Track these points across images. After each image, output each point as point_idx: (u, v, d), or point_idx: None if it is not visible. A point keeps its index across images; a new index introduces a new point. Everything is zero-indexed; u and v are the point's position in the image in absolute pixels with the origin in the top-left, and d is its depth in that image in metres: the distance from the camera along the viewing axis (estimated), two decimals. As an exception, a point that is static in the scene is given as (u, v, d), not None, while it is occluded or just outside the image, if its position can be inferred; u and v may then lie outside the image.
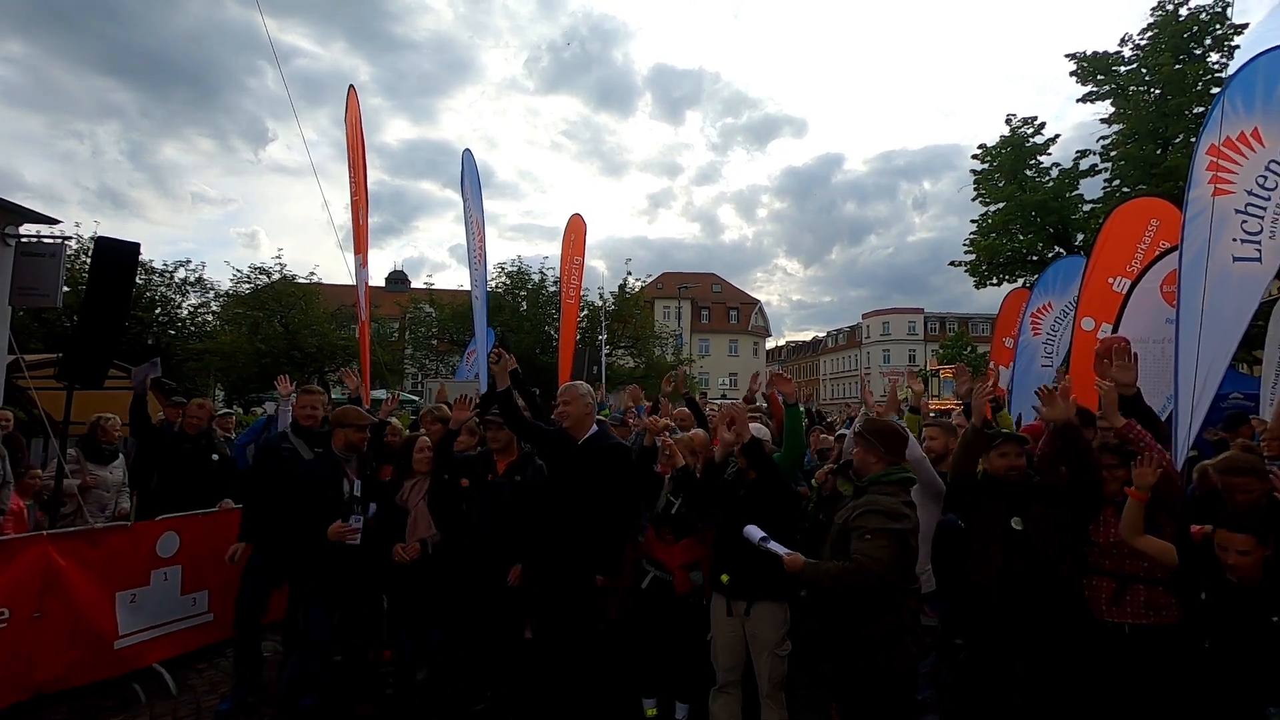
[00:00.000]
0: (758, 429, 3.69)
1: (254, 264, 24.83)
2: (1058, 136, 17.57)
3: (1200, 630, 2.73)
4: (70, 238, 17.78)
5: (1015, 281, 17.34)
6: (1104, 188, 16.44)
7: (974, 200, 18.52)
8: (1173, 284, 4.51)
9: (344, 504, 4.14)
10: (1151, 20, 15.40)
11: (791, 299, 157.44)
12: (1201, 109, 13.37)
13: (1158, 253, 5.71)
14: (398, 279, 48.86)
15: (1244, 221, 3.85)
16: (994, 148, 18.00)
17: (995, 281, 18.20)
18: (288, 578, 4.14)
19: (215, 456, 5.59)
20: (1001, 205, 17.58)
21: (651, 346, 30.30)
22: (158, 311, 21.91)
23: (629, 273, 29.14)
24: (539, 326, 25.57)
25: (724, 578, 3.40)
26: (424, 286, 33.71)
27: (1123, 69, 16.03)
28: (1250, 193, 3.84)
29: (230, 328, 23.29)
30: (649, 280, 31.68)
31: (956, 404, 5.09)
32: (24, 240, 5.62)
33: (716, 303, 61.62)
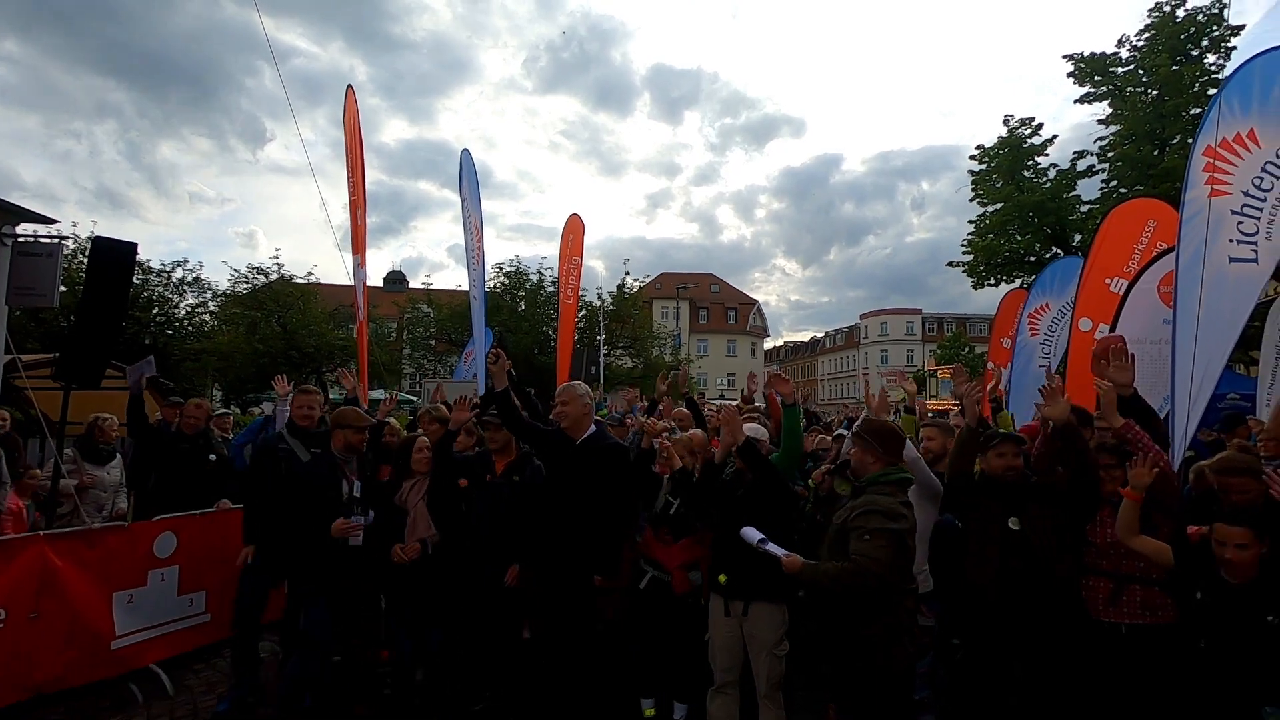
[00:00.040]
0: (755, 429, 3.69)
1: (252, 264, 24.83)
2: (1055, 137, 17.60)
3: (1196, 630, 2.74)
4: (67, 237, 17.78)
5: (1013, 282, 17.35)
6: (1101, 189, 16.47)
7: (972, 201, 18.54)
8: (1170, 285, 4.52)
9: (343, 505, 4.14)
10: (1149, 21, 15.42)
11: (790, 299, 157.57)
12: (1199, 110, 13.40)
13: (1155, 253, 5.72)
14: (396, 279, 48.83)
15: (1240, 222, 3.87)
16: (992, 149, 18.02)
17: (993, 282, 18.22)
18: (287, 578, 4.14)
19: (213, 457, 5.58)
20: (999, 206, 17.59)
21: (650, 347, 30.29)
22: (155, 311, 21.85)
23: (627, 273, 29.08)
24: (537, 327, 25.55)
25: (721, 578, 3.41)
26: (422, 286, 33.81)
27: (1120, 70, 16.05)
28: (1246, 194, 3.85)
29: (228, 328, 23.24)
30: (647, 280, 31.67)
31: (955, 404, 5.10)
32: (20, 240, 5.61)
33: (715, 303, 61.63)
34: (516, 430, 4.11)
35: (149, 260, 22.34)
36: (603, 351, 23.81)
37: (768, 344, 71.66)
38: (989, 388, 5.16)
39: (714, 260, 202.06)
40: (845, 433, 4.62)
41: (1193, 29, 14.88)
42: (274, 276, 23.76)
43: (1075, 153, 17.07)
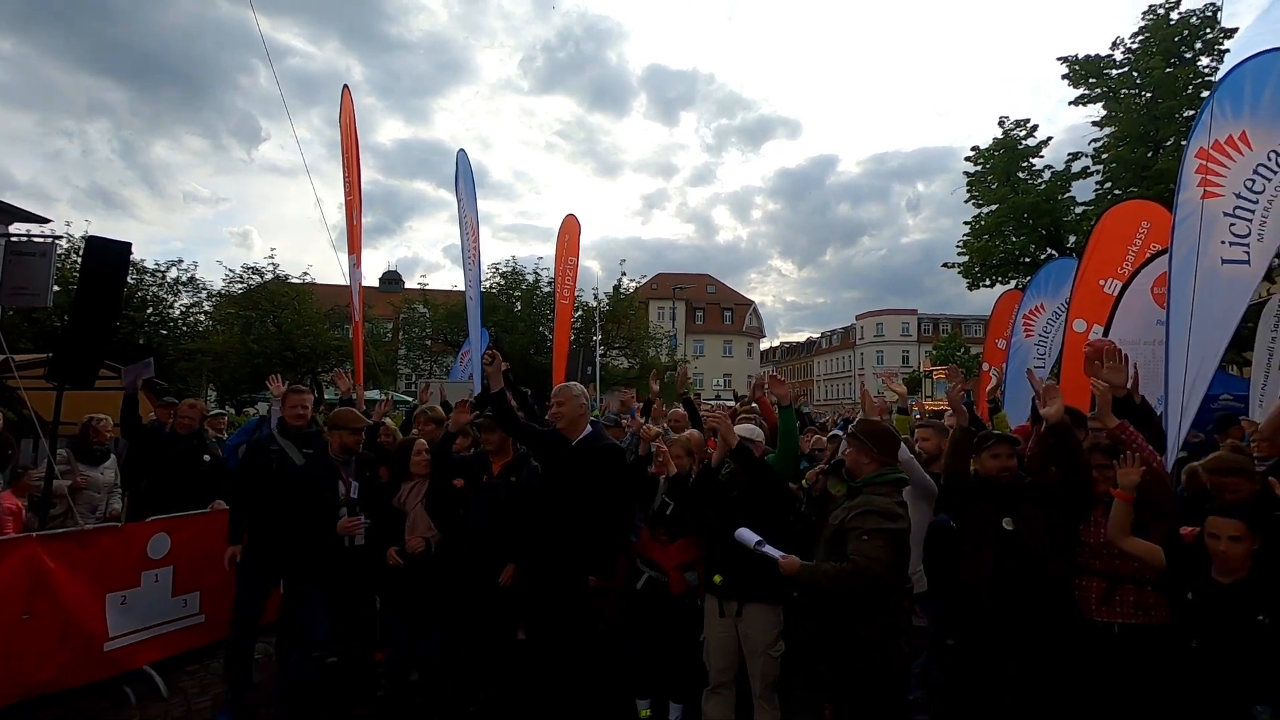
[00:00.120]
0: (750, 429, 3.70)
1: (246, 264, 24.71)
2: (1050, 139, 17.62)
3: (1188, 630, 2.75)
4: (60, 237, 17.74)
5: (1008, 283, 17.40)
6: (1095, 190, 16.53)
7: (967, 202, 18.58)
8: (1163, 286, 4.55)
9: (340, 506, 4.13)
10: (1143, 24, 15.49)
11: (786, 300, 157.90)
12: (1192, 112, 13.47)
13: (1148, 255, 5.74)
14: (391, 279, 48.69)
15: (1232, 224, 3.89)
16: (987, 150, 18.07)
17: (988, 283, 18.27)
18: (284, 579, 4.12)
19: (207, 457, 5.57)
20: (994, 207, 17.64)
21: (646, 347, 30.29)
22: (149, 311, 21.78)
23: (623, 273, 29.07)
24: (533, 327, 25.52)
25: (716, 579, 3.41)
26: (418, 287, 33.65)
27: (1114, 72, 16.12)
28: (1239, 195, 3.88)
29: (222, 328, 23.16)
30: (643, 281, 31.66)
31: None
32: (14, 239, 5.59)
33: (711, 304, 61.64)
34: (512, 431, 4.10)
35: (143, 260, 22.35)
36: (599, 352, 23.79)
37: (764, 345, 71.71)
38: (988, 389, 5.19)
39: (710, 261, 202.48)
40: (840, 433, 4.64)
41: (1186, 32, 14.96)
42: (269, 276, 23.72)
43: (1070, 154, 17.15)
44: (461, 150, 8.39)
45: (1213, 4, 14.84)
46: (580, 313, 25.35)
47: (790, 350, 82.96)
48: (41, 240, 5.70)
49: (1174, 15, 15.11)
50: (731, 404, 6.99)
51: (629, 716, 3.99)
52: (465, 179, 8.38)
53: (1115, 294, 5.73)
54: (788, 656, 3.43)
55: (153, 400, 6.86)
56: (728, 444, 3.43)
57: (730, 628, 3.40)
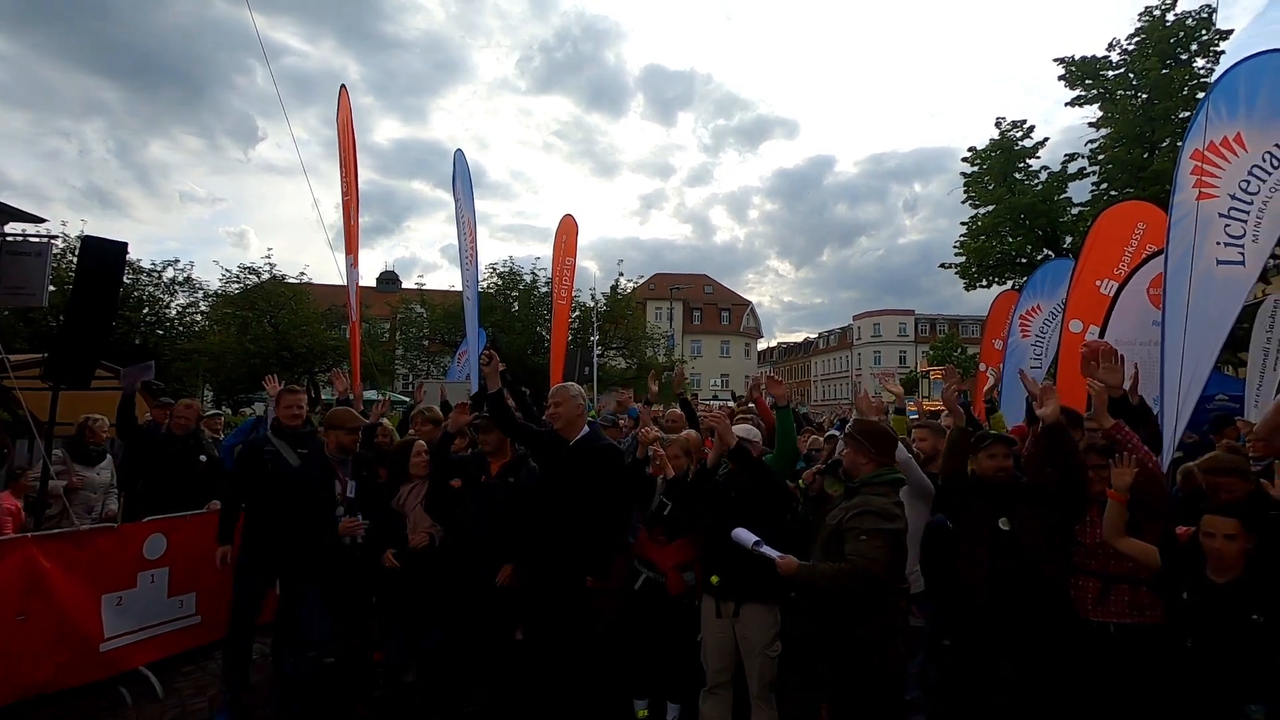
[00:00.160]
0: (748, 429, 3.70)
1: (243, 264, 24.67)
2: (1046, 140, 17.68)
3: (1183, 630, 2.76)
4: (56, 237, 17.60)
5: (1004, 284, 17.45)
6: (1092, 191, 16.59)
7: (964, 203, 18.64)
8: (1159, 287, 4.56)
9: (337, 505, 4.13)
10: (1139, 25, 15.55)
11: (783, 300, 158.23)
12: (1188, 113, 13.50)
13: (1144, 256, 5.76)
14: (388, 279, 48.61)
15: (1227, 225, 3.90)
16: (983, 151, 18.11)
17: (985, 284, 18.32)
18: (280, 579, 4.11)
19: (203, 458, 5.55)
20: (991, 208, 17.69)
21: (643, 347, 30.28)
22: (145, 311, 21.72)
23: (621, 274, 29.06)
24: (530, 327, 25.50)
25: (714, 579, 3.41)
26: (415, 287, 33.60)
27: (1110, 73, 16.17)
28: (1233, 197, 3.89)
29: (219, 328, 23.10)
30: (641, 281, 31.70)
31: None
32: (9, 239, 5.57)
33: (708, 304, 61.67)
34: (509, 431, 4.10)
35: (139, 260, 22.28)
36: (596, 352, 23.80)
37: (761, 345, 71.77)
38: (985, 389, 5.20)
39: (708, 261, 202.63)
40: (837, 433, 4.64)
41: (1182, 33, 15.02)
42: (266, 276, 23.65)
43: (1066, 155, 17.21)
44: (459, 150, 8.39)
45: (1208, 6, 14.90)
46: (578, 313, 25.34)
47: (787, 350, 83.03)
48: (37, 240, 5.69)
49: (1170, 17, 15.17)
50: (730, 404, 6.98)
51: (626, 717, 3.99)
52: (462, 179, 8.38)
53: (1111, 295, 5.75)
54: (785, 656, 3.43)
55: (149, 400, 6.84)
56: (726, 444, 3.43)
57: (727, 628, 3.40)
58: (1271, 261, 4.58)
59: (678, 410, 5.47)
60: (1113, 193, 15.35)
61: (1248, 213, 3.88)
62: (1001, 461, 3.50)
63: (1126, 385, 3.77)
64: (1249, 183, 3.87)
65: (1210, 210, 3.94)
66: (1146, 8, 15.43)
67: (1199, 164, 3.99)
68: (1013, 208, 16.90)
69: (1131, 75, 15.71)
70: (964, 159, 18.64)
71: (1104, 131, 16.11)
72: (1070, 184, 17.00)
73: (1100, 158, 16.09)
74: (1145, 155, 15.04)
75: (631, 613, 4.04)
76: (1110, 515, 3.04)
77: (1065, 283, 6.77)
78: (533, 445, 4.08)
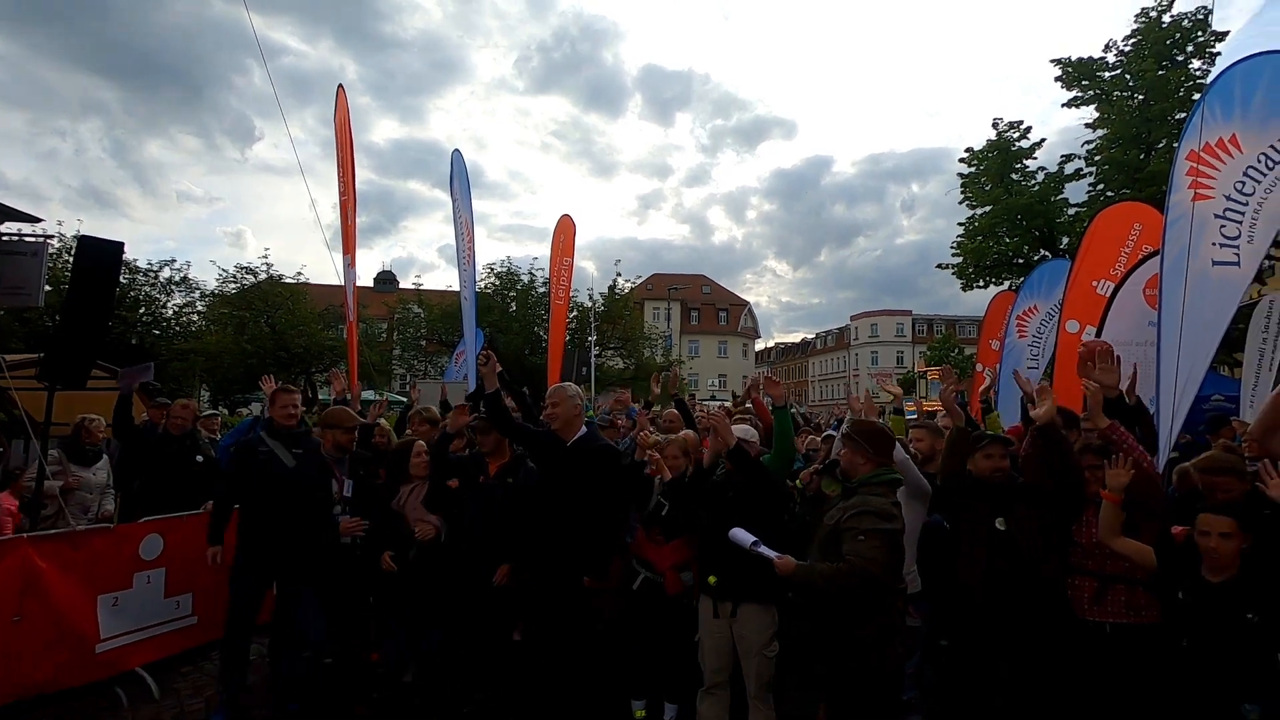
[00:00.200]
0: (745, 430, 3.70)
1: (240, 263, 24.69)
2: (1043, 141, 17.68)
3: (1179, 629, 2.77)
4: (52, 236, 17.60)
5: (1001, 284, 17.46)
6: (1088, 192, 16.61)
7: (961, 203, 18.64)
8: (1155, 287, 4.57)
9: (334, 505, 4.12)
10: (1135, 27, 15.59)
11: (781, 300, 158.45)
12: (1184, 115, 13.53)
13: (1140, 256, 5.78)
14: (386, 279, 48.58)
15: (1223, 226, 3.91)
16: (980, 151, 18.13)
17: (982, 284, 18.33)
18: (277, 578, 4.10)
19: (200, 458, 5.55)
20: (988, 208, 17.69)
21: (641, 348, 30.27)
22: (142, 311, 21.67)
23: (618, 274, 29.09)
24: (528, 327, 25.49)
25: (711, 579, 3.41)
26: (412, 287, 33.57)
27: (1106, 75, 16.20)
28: (1229, 198, 3.90)
29: (216, 328, 23.07)
30: (638, 281, 31.69)
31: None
32: (5, 238, 5.54)
33: (706, 304, 61.69)
34: (506, 431, 4.10)
35: (136, 259, 22.24)
36: (594, 353, 23.79)
37: (759, 345, 71.83)
38: (981, 389, 5.21)
39: (705, 261, 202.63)
40: (834, 433, 4.65)
41: (1178, 35, 15.05)
42: (263, 276, 23.61)
43: (1063, 156, 17.22)
44: (456, 150, 8.39)
45: (1204, 7, 14.98)
46: (575, 313, 25.30)
47: (785, 351, 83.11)
48: (33, 240, 5.67)
49: (1166, 18, 15.20)
50: (727, 404, 6.99)
51: (623, 717, 3.99)
52: (460, 179, 8.37)
53: (1108, 295, 5.76)
54: (782, 656, 3.43)
55: (145, 401, 6.82)
56: (725, 444, 3.43)
57: (725, 628, 3.40)
58: (1266, 262, 4.60)
59: (674, 411, 5.47)
60: (1109, 193, 15.38)
61: (1243, 213, 3.89)
62: (998, 462, 3.51)
63: (1124, 385, 3.78)
64: (1244, 184, 3.88)
65: (1206, 211, 3.95)
66: (1143, 9, 15.48)
67: (1194, 165, 4.00)
68: (1010, 208, 16.92)
69: (1128, 76, 15.74)
70: (961, 160, 18.67)
71: (1100, 132, 16.13)
72: (1067, 185, 17.03)
73: (1097, 159, 16.11)
74: (1141, 156, 15.08)
75: (629, 613, 4.04)
76: (1105, 516, 3.05)
77: (1062, 283, 6.78)
78: (530, 445, 4.08)
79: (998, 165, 17.65)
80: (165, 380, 17.79)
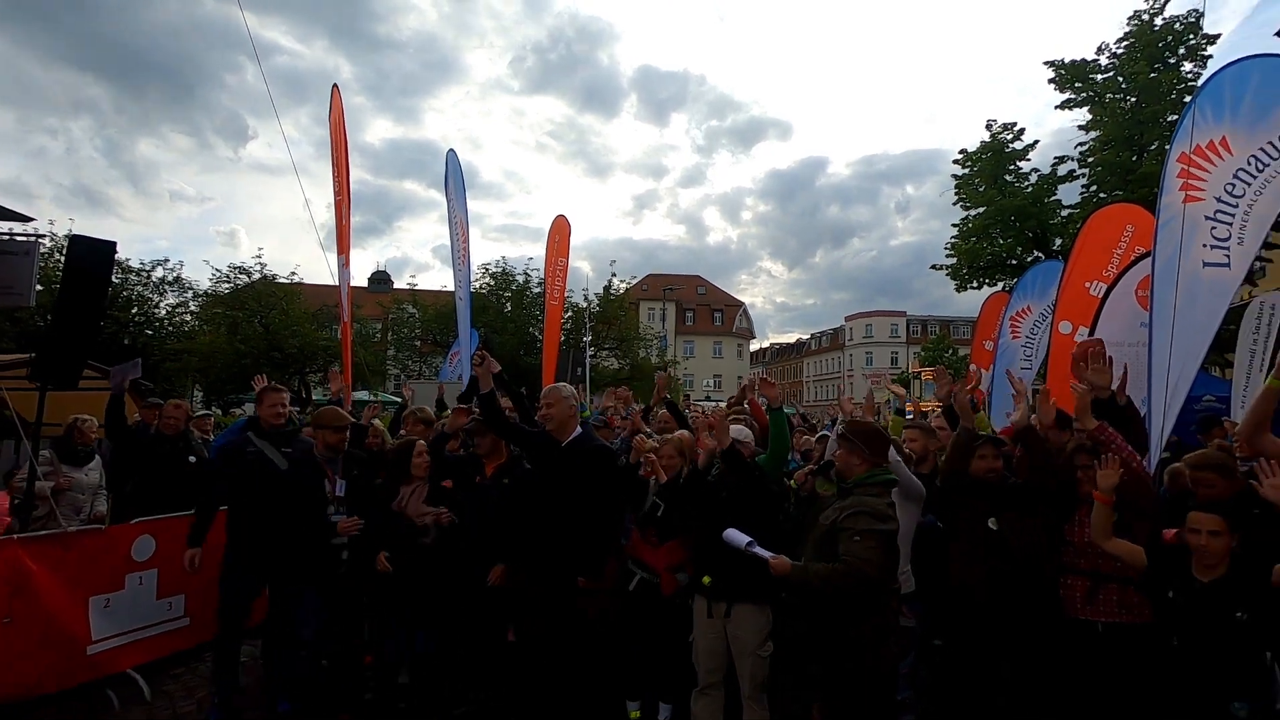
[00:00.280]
0: (740, 430, 3.71)
1: (233, 263, 24.53)
2: (1037, 142, 17.81)
3: (1169, 628, 2.79)
4: (44, 236, 17.52)
5: (995, 285, 17.54)
6: (1081, 193, 16.69)
7: (955, 205, 18.72)
8: (1147, 288, 4.60)
9: (328, 505, 4.10)
10: (1128, 29, 15.68)
11: (775, 301, 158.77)
12: (1175, 117, 13.61)
13: (1133, 258, 5.81)
14: (380, 279, 48.45)
15: (1214, 228, 3.94)
16: (974, 153, 18.20)
17: (976, 285, 18.40)
18: (272, 579, 4.08)
19: (192, 459, 5.52)
20: (982, 210, 17.76)
21: (636, 348, 30.28)
22: (134, 311, 21.57)
23: (614, 274, 29.13)
24: (523, 328, 25.46)
25: (705, 580, 3.42)
26: (407, 287, 33.50)
27: (1099, 77, 16.29)
28: (1219, 200, 3.92)
29: (209, 328, 22.98)
30: (634, 282, 31.67)
31: (939, 405, 5.17)
32: (-4, 238, 5.51)
33: (701, 305, 61.74)
34: (501, 431, 4.10)
35: (128, 259, 22.14)
36: (589, 353, 23.76)
37: (754, 346, 71.87)
38: (969, 389, 5.22)
39: (700, 262, 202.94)
40: (828, 433, 4.66)
41: (1170, 37, 15.14)
42: (256, 276, 23.53)
43: (1056, 158, 17.31)
44: (451, 150, 8.39)
45: (1195, 10, 15.06)
46: (570, 313, 25.30)
47: (780, 351, 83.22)
48: (24, 239, 5.64)
49: (1158, 21, 15.30)
50: (721, 405, 7.00)
51: (618, 717, 3.99)
52: (455, 179, 8.37)
53: (1100, 296, 5.79)
54: (777, 656, 3.44)
55: (137, 401, 6.79)
56: (720, 445, 3.43)
57: (719, 628, 3.40)
58: (1257, 264, 4.63)
59: (665, 413, 5.48)
60: (1102, 195, 15.46)
61: (1233, 215, 3.92)
62: (991, 462, 3.53)
63: (1115, 385, 3.80)
64: (1234, 186, 3.90)
65: (1196, 213, 3.97)
66: (1135, 12, 15.58)
67: (1185, 167, 4.02)
68: (1003, 210, 16.99)
69: (1120, 79, 15.83)
70: (955, 161, 18.75)
71: (1093, 134, 16.22)
72: (1060, 186, 17.12)
73: (1089, 160, 16.20)
74: (1134, 158, 15.16)
75: (624, 614, 4.04)
76: (1097, 516, 3.07)
77: (1055, 284, 6.81)
78: (525, 446, 4.07)
79: (991, 167, 17.73)
80: (158, 380, 17.74)
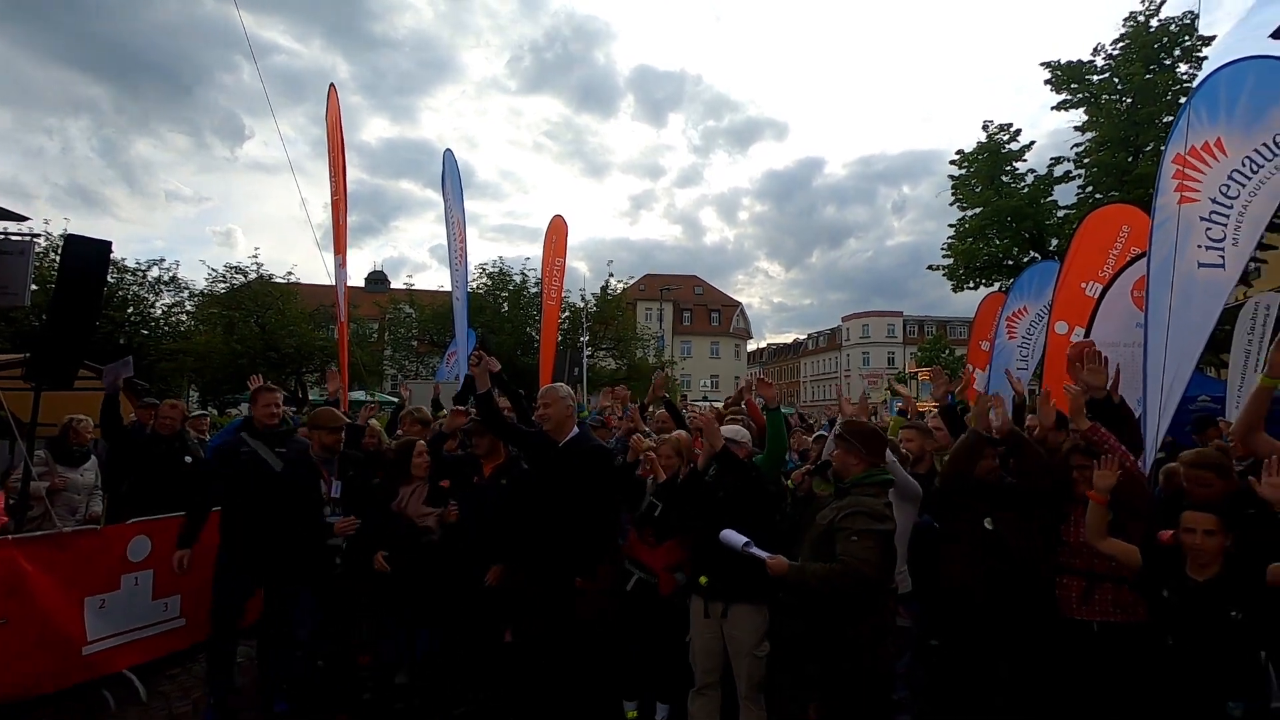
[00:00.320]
0: (737, 430, 3.71)
1: (230, 263, 24.49)
2: (1033, 143, 17.85)
3: (1164, 628, 2.80)
4: (39, 235, 17.44)
5: (991, 285, 17.58)
6: (1077, 194, 16.75)
7: (951, 205, 18.76)
8: (1142, 289, 4.61)
9: (324, 505, 4.10)
10: (1123, 31, 15.74)
11: (772, 301, 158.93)
12: (1171, 118, 13.66)
13: (1129, 258, 5.82)
14: (377, 279, 48.39)
15: (1208, 229, 3.95)
16: (971, 154, 18.24)
17: (972, 285, 18.45)
18: (266, 580, 4.07)
19: (188, 459, 5.51)
20: (978, 210, 17.81)
21: (633, 348, 30.29)
22: (130, 311, 21.51)
23: (611, 274, 29.09)
24: (520, 328, 25.45)
25: (702, 580, 3.42)
26: (404, 287, 33.58)
27: (1095, 78, 16.35)
28: (1214, 201, 3.94)
29: (205, 328, 22.93)
30: (631, 282, 31.67)
31: (934, 405, 5.19)
32: (-9, 237, 5.49)
33: (698, 305, 61.75)
34: (498, 432, 4.10)
35: (124, 259, 22.08)
36: (586, 353, 23.77)
37: (751, 346, 71.94)
38: (957, 390, 5.23)
39: (697, 262, 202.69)
40: (825, 433, 4.67)
41: (1166, 39, 15.21)
42: (253, 276, 23.49)
43: (1052, 159, 17.38)
44: (448, 150, 8.38)
45: (1191, 12, 15.13)
46: (567, 314, 25.31)
47: (777, 352, 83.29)
48: (19, 238, 5.62)
49: (1154, 22, 15.36)
50: (717, 405, 7.01)
51: (616, 718, 3.99)
52: (452, 179, 8.36)
53: (1096, 296, 5.81)
54: (774, 656, 3.44)
55: (133, 401, 6.76)
56: (713, 446, 3.44)
57: (715, 628, 3.40)
58: (1251, 264, 4.65)
59: (663, 412, 5.48)
60: (1098, 196, 15.52)
61: (1228, 216, 3.93)
62: (989, 462, 3.54)
63: (1109, 385, 3.81)
64: (1229, 187, 3.92)
65: (1191, 214, 3.99)
66: (1131, 13, 15.64)
67: (1180, 168, 4.03)
68: (999, 210, 17.04)
69: (1116, 80, 15.89)
70: (951, 162, 18.79)
71: (1089, 135, 16.29)
72: (1056, 187, 17.18)
73: (1085, 161, 16.27)
74: (1129, 159, 15.23)
75: (621, 614, 4.04)
76: (1092, 516, 3.08)
77: (1051, 285, 6.83)
78: (522, 446, 4.07)
79: (988, 167, 17.77)
80: (153, 380, 17.68)
